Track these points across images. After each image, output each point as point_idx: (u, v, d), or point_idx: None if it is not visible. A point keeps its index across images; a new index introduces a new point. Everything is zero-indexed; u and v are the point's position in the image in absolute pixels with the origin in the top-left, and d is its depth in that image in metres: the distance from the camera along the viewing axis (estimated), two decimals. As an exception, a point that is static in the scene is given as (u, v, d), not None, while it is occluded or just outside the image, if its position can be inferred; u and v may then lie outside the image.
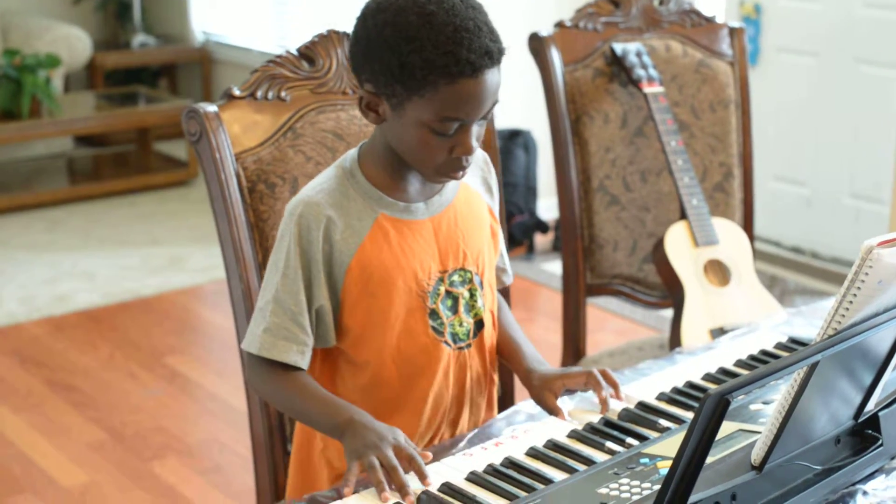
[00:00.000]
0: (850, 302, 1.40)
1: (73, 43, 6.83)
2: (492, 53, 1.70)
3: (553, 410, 1.84)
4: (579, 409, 1.84)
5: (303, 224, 1.78)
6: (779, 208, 5.32)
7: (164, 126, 6.98)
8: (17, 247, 5.62)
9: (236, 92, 2.10)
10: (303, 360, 1.81)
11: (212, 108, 2.06)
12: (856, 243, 5.09)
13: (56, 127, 6.35)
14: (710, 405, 1.24)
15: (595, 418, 1.79)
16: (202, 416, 3.98)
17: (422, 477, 1.61)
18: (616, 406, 1.82)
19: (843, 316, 1.40)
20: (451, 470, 1.65)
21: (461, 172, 1.79)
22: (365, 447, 1.64)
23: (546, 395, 1.86)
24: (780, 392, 1.81)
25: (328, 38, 2.16)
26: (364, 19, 1.74)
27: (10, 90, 6.08)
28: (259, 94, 2.10)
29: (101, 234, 5.83)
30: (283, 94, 2.12)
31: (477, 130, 1.76)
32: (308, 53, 2.16)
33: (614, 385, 1.85)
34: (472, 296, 1.90)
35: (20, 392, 4.10)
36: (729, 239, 2.81)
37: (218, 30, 7.53)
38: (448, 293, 1.87)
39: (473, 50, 1.67)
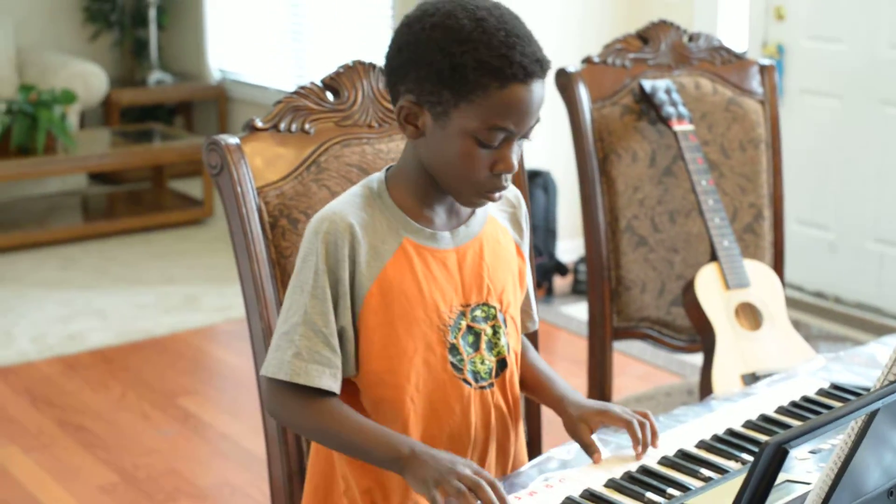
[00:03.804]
0: (914, 346, 1.32)
1: (90, 79, 6.81)
2: (542, 62, 1.68)
3: (587, 446, 1.76)
4: (616, 457, 1.76)
5: (329, 241, 1.71)
6: (802, 252, 5.24)
7: (180, 164, 6.96)
8: (30, 284, 5.56)
9: (259, 124, 2.03)
10: (336, 385, 1.73)
11: (233, 140, 1.99)
12: (880, 288, 5.03)
13: (71, 163, 6.31)
14: (767, 455, 1.16)
15: (633, 466, 1.71)
16: (215, 458, 3.90)
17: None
18: (654, 454, 1.74)
19: (905, 361, 1.32)
20: (484, 520, 1.57)
21: (498, 194, 1.73)
22: (441, 474, 1.58)
23: (582, 427, 1.79)
24: (825, 441, 1.74)
25: (353, 70, 2.10)
26: (408, 25, 1.70)
27: (26, 126, 6.05)
28: (282, 126, 2.04)
29: (115, 272, 5.77)
30: (306, 126, 2.05)
31: (517, 149, 1.71)
32: (333, 85, 2.10)
33: (654, 433, 1.78)
34: (496, 333, 1.82)
35: (31, 432, 4.03)
36: (761, 282, 2.73)
37: (234, 68, 7.51)
38: (469, 328, 1.79)
39: (526, 55, 1.65)
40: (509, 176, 1.72)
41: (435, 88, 1.66)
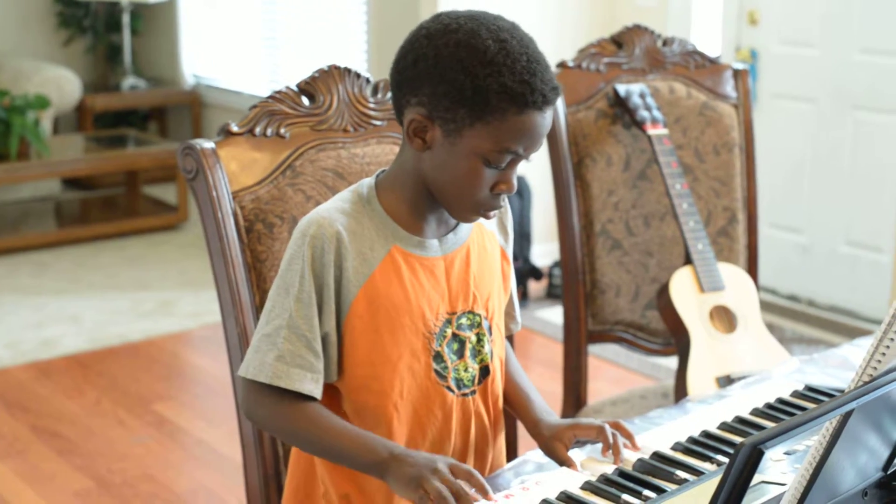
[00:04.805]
0: (888, 347, 1.33)
1: (63, 85, 6.78)
2: (557, 89, 1.68)
3: (564, 461, 1.76)
4: (592, 459, 1.76)
5: (316, 246, 1.71)
6: (776, 255, 5.27)
7: (154, 169, 6.94)
8: (3, 290, 5.54)
9: (234, 128, 2.03)
10: (317, 390, 1.72)
11: (209, 144, 1.99)
12: (853, 292, 5.05)
13: (44, 169, 6.28)
14: (743, 456, 1.17)
15: (609, 469, 1.71)
16: (190, 463, 3.89)
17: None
18: (631, 456, 1.75)
19: (879, 362, 1.33)
20: (460, 523, 1.57)
21: (493, 213, 1.74)
22: (421, 474, 1.58)
23: (556, 445, 1.79)
24: (800, 442, 1.75)
25: (329, 74, 2.10)
26: (428, 38, 1.67)
27: (-1, 131, 6.03)
28: (258, 130, 2.04)
29: (89, 277, 5.75)
30: (282, 130, 2.05)
31: (517, 171, 1.73)
32: (308, 89, 2.09)
33: (629, 436, 1.78)
34: (480, 341, 1.83)
35: (5, 438, 4.01)
36: (735, 285, 2.74)
37: (208, 73, 7.50)
38: (455, 336, 1.80)
39: (546, 82, 1.65)
40: (507, 196, 1.73)
41: (452, 106, 1.65)
